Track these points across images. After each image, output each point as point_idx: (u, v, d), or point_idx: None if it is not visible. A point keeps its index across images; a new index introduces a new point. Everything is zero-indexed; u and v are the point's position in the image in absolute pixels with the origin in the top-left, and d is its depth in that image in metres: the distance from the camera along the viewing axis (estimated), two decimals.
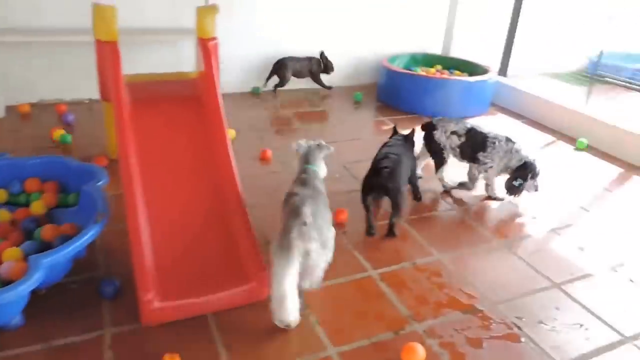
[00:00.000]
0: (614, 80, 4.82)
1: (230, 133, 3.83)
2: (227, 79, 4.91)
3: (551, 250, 2.82)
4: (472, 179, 3.32)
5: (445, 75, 5.21)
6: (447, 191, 3.35)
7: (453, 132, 3.19)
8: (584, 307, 2.37)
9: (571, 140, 4.47)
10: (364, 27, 5.42)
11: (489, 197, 3.29)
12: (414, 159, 3.12)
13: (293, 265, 1.92)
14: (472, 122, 3.25)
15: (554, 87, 6.01)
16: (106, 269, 2.34)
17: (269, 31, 5.02)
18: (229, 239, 2.31)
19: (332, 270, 2.43)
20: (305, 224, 1.95)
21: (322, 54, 5.16)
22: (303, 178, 2.29)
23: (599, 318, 2.30)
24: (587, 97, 4.75)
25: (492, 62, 5.35)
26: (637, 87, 4.41)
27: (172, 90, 2.89)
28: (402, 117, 4.74)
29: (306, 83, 5.31)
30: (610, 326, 2.26)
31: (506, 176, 3.16)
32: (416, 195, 3.18)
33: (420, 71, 5.26)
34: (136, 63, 4.36)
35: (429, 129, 3.27)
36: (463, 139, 3.17)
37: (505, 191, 3.16)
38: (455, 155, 3.26)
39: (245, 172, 3.36)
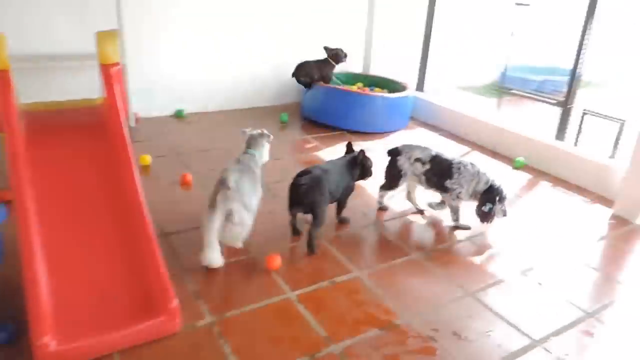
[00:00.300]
0: (520, 92, 5.10)
1: (145, 159, 3.72)
2: (150, 102, 4.79)
3: (465, 259, 2.90)
4: (413, 200, 3.39)
5: (367, 92, 5.31)
6: (381, 209, 3.38)
7: (417, 159, 3.17)
8: (495, 313, 2.43)
9: (484, 149, 4.67)
10: (287, 48, 5.46)
11: (456, 228, 3.21)
12: (350, 179, 3.06)
13: (216, 221, 2.40)
14: (436, 149, 3.22)
15: (469, 100, 6.28)
16: (2, 313, 2.17)
17: (192, 53, 4.95)
18: (136, 272, 2.21)
19: (248, 295, 2.40)
20: (229, 188, 2.39)
21: (325, 48, 5.18)
22: (238, 158, 2.72)
23: (510, 323, 2.37)
24: (497, 109, 4.99)
25: (410, 78, 5.53)
26: (541, 98, 4.68)
27: (73, 118, 2.76)
28: (327, 134, 4.78)
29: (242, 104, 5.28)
30: (521, 331, 2.33)
31: (475, 204, 3.13)
32: (338, 214, 3.15)
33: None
34: (53, 89, 4.19)
35: (393, 154, 3.26)
36: (427, 166, 3.15)
37: (478, 219, 3.13)
38: (420, 183, 3.24)
39: (164, 198, 3.28)
